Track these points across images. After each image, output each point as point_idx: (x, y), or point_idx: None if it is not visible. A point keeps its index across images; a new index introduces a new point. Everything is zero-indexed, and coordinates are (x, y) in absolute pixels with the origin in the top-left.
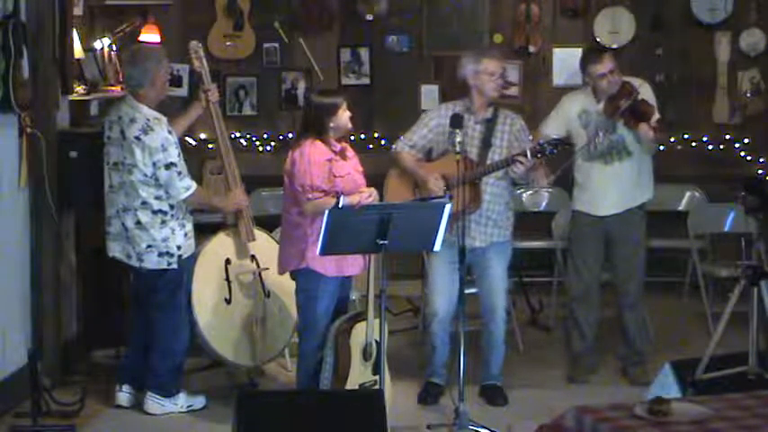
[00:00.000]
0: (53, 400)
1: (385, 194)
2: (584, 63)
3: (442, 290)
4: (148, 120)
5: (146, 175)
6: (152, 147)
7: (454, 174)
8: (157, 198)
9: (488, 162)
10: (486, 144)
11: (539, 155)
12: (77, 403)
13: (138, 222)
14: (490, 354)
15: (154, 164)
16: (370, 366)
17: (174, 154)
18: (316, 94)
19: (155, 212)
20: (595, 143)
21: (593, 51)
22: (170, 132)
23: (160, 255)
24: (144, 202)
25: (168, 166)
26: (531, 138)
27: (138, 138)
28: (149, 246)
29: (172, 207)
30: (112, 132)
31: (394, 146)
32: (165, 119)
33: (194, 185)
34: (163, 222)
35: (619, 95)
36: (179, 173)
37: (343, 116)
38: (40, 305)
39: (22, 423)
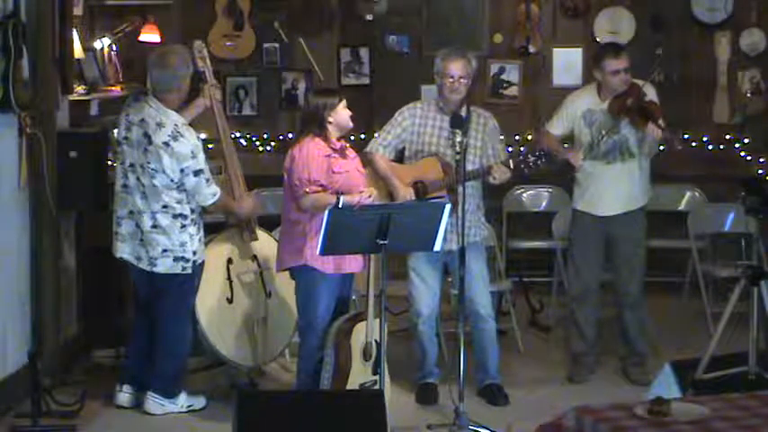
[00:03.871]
0: (53, 400)
1: None
2: (601, 56)
3: (425, 290)
4: (177, 125)
5: (172, 181)
6: (181, 153)
7: (430, 178)
8: (179, 202)
9: (467, 163)
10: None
11: (521, 165)
12: (77, 403)
13: (155, 226)
14: (485, 354)
15: (182, 170)
16: (370, 366)
17: (202, 160)
18: (313, 93)
19: (175, 216)
20: (600, 143)
21: (612, 46)
22: (198, 138)
23: (176, 259)
24: (165, 206)
25: (197, 172)
26: (501, 139)
27: (166, 143)
28: (165, 250)
29: (192, 211)
30: (131, 134)
31: (368, 147)
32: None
33: (219, 191)
34: (182, 227)
35: (626, 94)
36: (207, 180)
37: (343, 113)
38: (40, 305)
39: (22, 423)
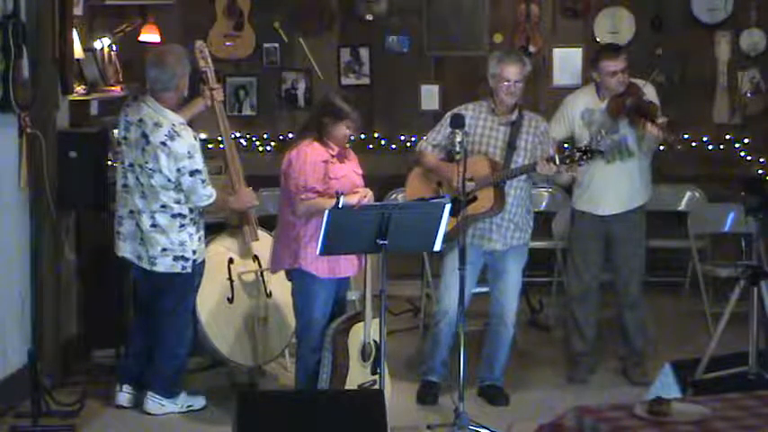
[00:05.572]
0: (53, 400)
1: (406, 193)
2: (598, 58)
3: (457, 291)
4: (174, 125)
5: (169, 180)
6: (178, 153)
7: (478, 175)
8: (177, 202)
9: (512, 164)
10: (510, 146)
11: (567, 161)
12: (77, 403)
13: (155, 225)
14: (495, 354)
15: (178, 170)
16: (368, 366)
17: (199, 161)
18: (335, 93)
19: (174, 216)
20: (598, 142)
21: (610, 47)
22: (195, 138)
23: (175, 258)
24: (163, 206)
25: (193, 173)
26: (552, 142)
27: (163, 143)
28: (165, 249)
29: (191, 211)
30: (130, 134)
31: (417, 146)
32: (185, 122)
33: (215, 193)
34: (181, 226)
35: (624, 94)
36: (203, 180)
37: (340, 129)
38: (40, 305)
39: (22, 423)
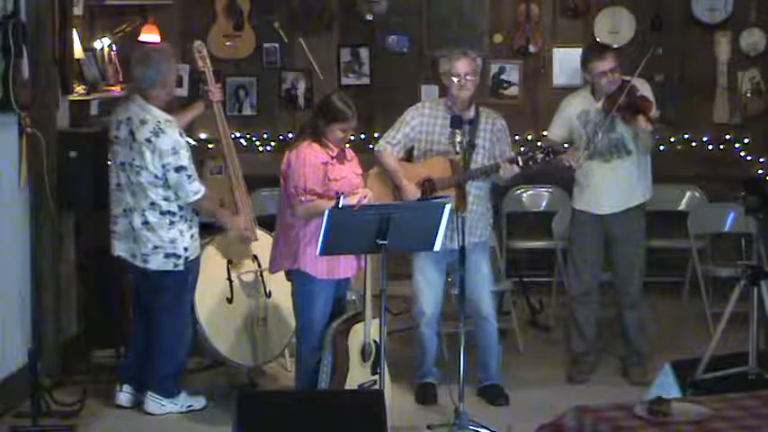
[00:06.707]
0: (53, 400)
1: None
2: (586, 59)
3: (429, 290)
4: (159, 122)
5: (156, 177)
6: (162, 149)
7: (439, 176)
8: (166, 199)
9: (472, 163)
10: (469, 145)
11: (529, 162)
12: (77, 403)
13: (146, 223)
14: (487, 354)
15: (163, 166)
16: (369, 366)
17: (184, 157)
18: (335, 94)
19: (163, 213)
20: (595, 142)
21: (596, 48)
22: (181, 135)
23: (167, 256)
24: (152, 203)
25: (178, 169)
26: (509, 140)
27: (148, 140)
28: (156, 247)
29: (180, 208)
30: (120, 132)
31: (377, 146)
32: (175, 120)
33: (203, 189)
34: (171, 224)
35: (617, 92)
36: (189, 176)
37: (332, 131)
38: (40, 305)
39: (22, 423)
